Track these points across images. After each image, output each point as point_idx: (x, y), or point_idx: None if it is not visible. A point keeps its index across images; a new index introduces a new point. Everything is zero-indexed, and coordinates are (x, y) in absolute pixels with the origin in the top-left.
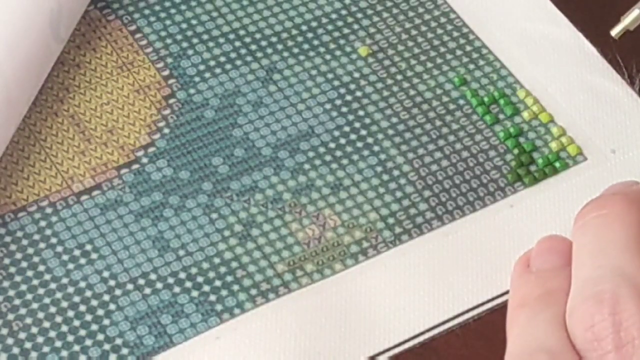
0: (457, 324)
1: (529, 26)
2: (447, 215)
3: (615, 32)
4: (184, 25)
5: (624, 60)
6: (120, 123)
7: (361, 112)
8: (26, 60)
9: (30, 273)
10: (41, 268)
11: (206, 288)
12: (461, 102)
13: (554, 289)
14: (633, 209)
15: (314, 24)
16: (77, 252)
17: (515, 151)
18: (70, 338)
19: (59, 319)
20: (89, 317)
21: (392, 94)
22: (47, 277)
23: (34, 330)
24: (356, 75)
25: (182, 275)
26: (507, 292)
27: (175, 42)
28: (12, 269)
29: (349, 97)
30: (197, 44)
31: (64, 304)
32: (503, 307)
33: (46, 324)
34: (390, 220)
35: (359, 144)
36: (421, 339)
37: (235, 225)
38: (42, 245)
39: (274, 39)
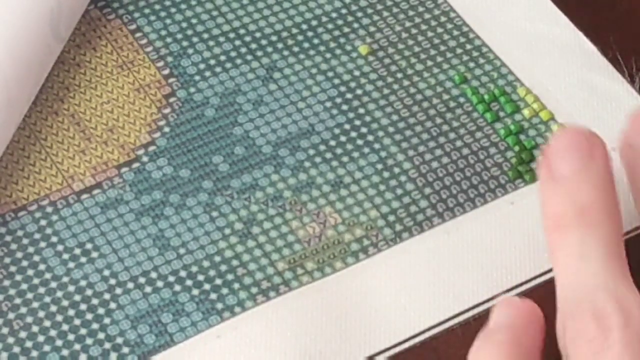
0: (457, 323)
1: (529, 25)
2: (447, 213)
3: None
4: (184, 24)
5: (624, 59)
6: (120, 122)
7: (361, 110)
8: (26, 60)
9: (30, 272)
10: (42, 267)
11: (207, 286)
12: (461, 99)
13: (584, 204)
14: None
15: (314, 22)
16: (77, 251)
17: (516, 148)
18: (70, 337)
19: (59, 317)
20: (89, 316)
21: (392, 92)
22: (48, 275)
23: (35, 329)
24: (356, 73)
25: (183, 273)
26: (507, 291)
27: (175, 41)
28: (13, 268)
29: (349, 95)
30: (197, 42)
31: (65, 303)
32: None
33: (47, 323)
34: (391, 218)
35: (360, 142)
36: (421, 338)
37: (236, 223)
38: (42, 244)
39: (274, 38)
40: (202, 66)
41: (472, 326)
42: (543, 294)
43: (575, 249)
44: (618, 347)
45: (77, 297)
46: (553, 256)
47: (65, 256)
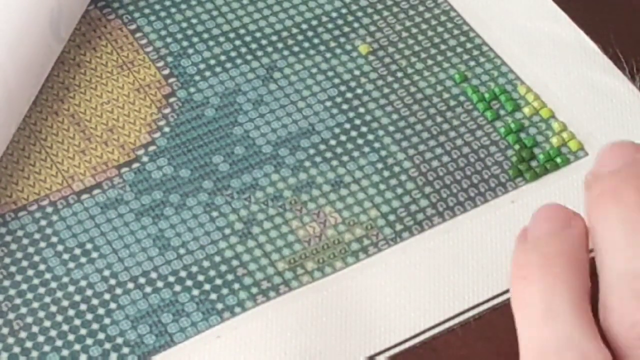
0: (457, 323)
1: (529, 23)
2: (448, 212)
3: None
4: (184, 24)
5: (625, 56)
6: (120, 122)
7: (362, 110)
8: (26, 60)
9: (30, 272)
10: (42, 267)
11: (207, 286)
12: (462, 98)
13: (549, 253)
14: None
15: (314, 22)
16: (77, 251)
17: (516, 147)
18: (71, 337)
19: (59, 318)
20: (89, 316)
21: (392, 91)
22: (48, 276)
23: (35, 329)
24: (357, 73)
25: (183, 273)
26: (507, 291)
27: (175, 41)
28: (13, 268)
29: (349, 95)
30: (197, 42)
31: (65, 303)
32: (504, 306)
33: (47, 323)
34: (391, 217)
35: (360, 141)
36: (421, 338)
37: (236, 223)
38: (42, 244)
39: (274, 38)
40: (202, 66)
41: (472, 326)
42: None
43: (539, 303)
44: None
45: (77, 298)
46: (516, 312)
47: (65, 256)
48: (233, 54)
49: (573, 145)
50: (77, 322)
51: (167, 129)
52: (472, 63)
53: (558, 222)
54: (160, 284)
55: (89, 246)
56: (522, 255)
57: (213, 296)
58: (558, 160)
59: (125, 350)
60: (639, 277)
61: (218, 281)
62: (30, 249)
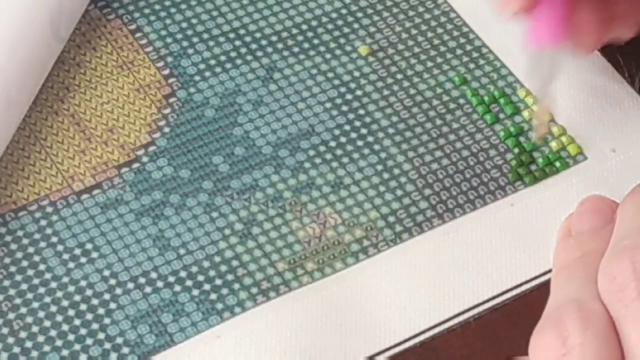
0: (457, 323)
1: None
2: (447, 214)
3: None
4: (184, 25)
5: (624, 59)
6: (120, 122)
7: (361, 111)
8: (26, 60)
9: (30, 272)
10: (42, 267)
11: (207, 287)
12: (461, 101)
13: (590, 250)
14: None
15: (314, 23)
16: (77, 251)
17: (516, 150)
18: (70, 337)
19: (59, 317)
20: (89, 316)
21: (392, 93)
22: (48, 276)
23: (35, 329)
24: (356, 74)
25: (183, 273)
26: (507, 291)
27: (175, 41)
28: (13, 268)
29: (349, 96)
30: (197, 43)
31: (65, 303)
32: (503, 306)
33: (47, 323)
34: (391, 219)
35: (360, 143)
36: (421, 338)
37: (236, 223)
38: (42, 244)
39: (274, 38)
40: (202, 66)
41: (472, 326)
42: (542, 295)
43: (565, 279)
44: (577, 350)
45: (77, 298)
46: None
47: (65, 256)
48: (233, 54)
49: (572, 149)
50: (77, 322)
51: (167, 129)
52: (471, 65)
53: (601, 217)
54: (160, 284)
55: (89, 246)
56: (566, 250)
57: (213, 296)
58: (557, 164)
59: (125, 350)
60: (627, 239)
61: (218, 281)
62: (30, 249)
